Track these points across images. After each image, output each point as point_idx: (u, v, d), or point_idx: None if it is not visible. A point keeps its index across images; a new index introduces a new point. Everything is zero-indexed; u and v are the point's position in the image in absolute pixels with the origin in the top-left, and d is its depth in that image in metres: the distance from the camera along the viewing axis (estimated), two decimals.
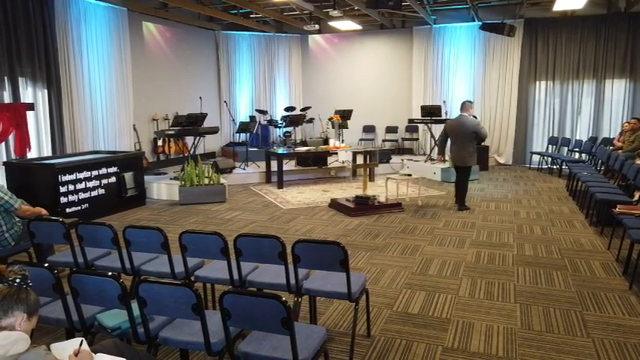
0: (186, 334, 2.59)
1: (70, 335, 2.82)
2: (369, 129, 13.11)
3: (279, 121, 11.62)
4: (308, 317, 3.60)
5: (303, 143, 10.78)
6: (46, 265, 2.78)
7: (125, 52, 9.30)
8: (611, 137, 10.18)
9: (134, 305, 2.56)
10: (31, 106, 7.18)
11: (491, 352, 3.25)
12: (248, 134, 10.74)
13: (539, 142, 11.62)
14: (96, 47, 8.66)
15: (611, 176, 7.91)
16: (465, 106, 7.29)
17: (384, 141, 12.88)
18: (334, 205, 7.55)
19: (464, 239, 5.85)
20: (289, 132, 11.79)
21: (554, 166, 10.69)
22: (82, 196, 6.80)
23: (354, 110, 11.59)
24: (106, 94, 8.94)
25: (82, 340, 1.98)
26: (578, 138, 11.02)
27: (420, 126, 12.18)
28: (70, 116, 8.19)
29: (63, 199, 6.49)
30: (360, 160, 9.40)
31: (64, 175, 6.53)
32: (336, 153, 10.17)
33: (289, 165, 10.43)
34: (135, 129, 9.78)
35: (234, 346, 2.53)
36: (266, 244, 3.21)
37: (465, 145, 7.08)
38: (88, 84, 8.53)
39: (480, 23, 10.52)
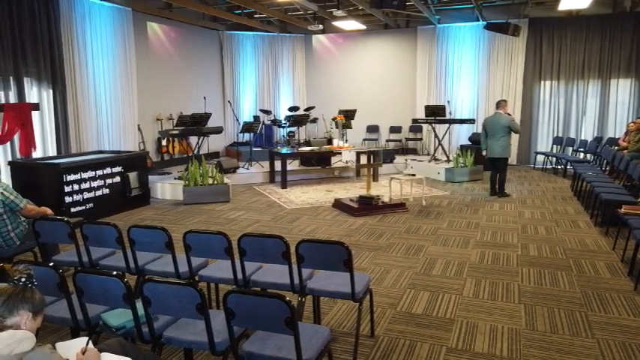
0: (191, 333, 2.59)
1: (74, 334, 2.83)
2: (372, 129, 13.11)
3: (283, 121, 11.63)
4: (312, 317, 3.60)
5: (307, 143, 10.79)
6: (51, 264, 2.79)
7: (129, 52, 9.33)
8: (617, 137, 10.14)
9: (138, 305, 2.57)
10: (36, 106, 7.22)
11: (496, 353, 3.24)
12: (252, 134, 10.75)
13: (543, 142, 11.58)
14: (100, 47, 8.69)
15: (616, 176, 7.88)
16: (500, 104, 8.16)
17: (387, 141, 12.87)
18: (338, 205, 7.55)
19: (468, 239, 5.84)
20: (293, 132, 11.79)
21: (559, 166, 10.65)
22: (86, 195, 6.82)
23: (358, 110, 11.58)
24: (110, 94, 8.98)
25: (88, 340, 1.99)
26: (583, 138, 10.97)
27: (424, 126, 12.14)
28: (75, 116, 8.22)
29: (68, 199, 6.51)
30: (363, 160, 9.40)
31: (69, 174, 6.56)
32: (340, 153, 10.17)
33: (293, 165, 10.43)
34: (139, 129, 9.81)
35: (238, 345, 2.54)
36: (270, 244, 3.22)
37: (499, 139, 7.90)
38: (92, 84, 8.56)
39: (485, 23, 10.50)
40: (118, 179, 7.37)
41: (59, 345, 2.00)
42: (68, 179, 6.53)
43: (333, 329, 3.57)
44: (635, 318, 3.72)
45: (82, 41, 8.26)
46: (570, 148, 10.84)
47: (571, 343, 3.36)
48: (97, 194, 7.00)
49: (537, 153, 11.18)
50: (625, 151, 8.58)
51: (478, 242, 5.74)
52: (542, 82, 11.37)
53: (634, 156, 7.79)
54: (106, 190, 7.17)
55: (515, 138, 11.50)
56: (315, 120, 12.52)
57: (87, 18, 8.37)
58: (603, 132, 10.90)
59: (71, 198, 6.57)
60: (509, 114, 8.42)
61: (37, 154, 7.33)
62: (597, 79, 10.89)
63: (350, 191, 8.75)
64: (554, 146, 11.12)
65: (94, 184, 6.95)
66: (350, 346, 3.30)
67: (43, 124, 7.78)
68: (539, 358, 3.17)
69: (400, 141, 12.84)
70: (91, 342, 1.99)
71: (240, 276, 3.36)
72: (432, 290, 4.31)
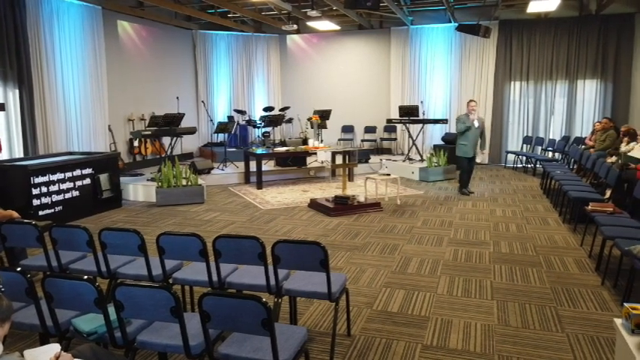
0: (165, 337, 2.55)
1: (44, 341, 2.76)
2: (347, 129, 13.16)
3: (258, 121, 11.58)
4: (288, 318, 3.59)
5: (282, 143, 10.76)
6: (18, 269, 2.71)
7: (99, 52, 9.13)
8: (584, 136, 10.45)
9: (111, 309, 2.52)
10: (1, 107, 6.99)
11: (470, 349, 3.30)
12: (226, 134, 10.66)
13: (514, 142, 11.84)
14: (69, 46, 8.48)
15: (583, 175, 8.11)
16: (467, 104, 8.38)
17: (362, 141, 12.95)
18: (314, 205, 7.55)
19: (442, 238, 5.93)
20: (268, 132, 11.75)
21: (529, 165, 10.90)
22: (55, 198, 6.64)
23: (333, 110, 11.61)
24: (80, 93, 8.77)
25: (60, 348, 1.95)
26: (551, 137, 11.27)
27: (398, 126, 12.27)
28: (43, 116, 8.00)
29: (36, 202, 6.33)
30: (339, 160, 9.42)
31: (37, 176, 6.37)
32: (315, 153, 10.18)
33: (268, 165, 10.39)
34: (110, 129, 9.61)
35: (214, 348, 2.51)
36: (246, 245, 3.19)
37: (458, 137, 8.36)
38: (61, 84, 8.35)
39: (456, 24, 10.67)
40: (88, 181, 7.20)
41: (28, 352, 1.94)
42: (36, 181, 6.35)
43: (310, 329, 3.57)
44: (603, 312, 3.84)
45: (49, 40, 8.04)
46: (539, 147, 11.12)
47: (542, 338, 3.44)
48: (66, 197, 6.82)
49: (508, 152, 11.42)
50: (592, 149, 8.84)
51: (452, 240, 5.83)
52: (512, 82, 11.62)
53: (600, 155, 8.03)
54: (76, 193, 7.00)
55: (487, 138, 11.75)
56: (290, 120, 12.50)
57: (55, 16, 8.15)
58: (571, 131, 11.21)
59: (39, 201, 6.39)
60: (480, 117, 8.59)
61: (2, 155, 7.10)
62: (565, 80, 11.20)
63: (326, 191, 8.77)
64: (524, 145, 11.39)
65: (64, 186, 6.78)
66: (327, 345, 3.30)
67: (9, 125, 7.55)
68: (512, 353, 3.24)
69: (375, 141, 12.93)
70: (61, 349, 1.95)
71: (215, 278, 3.33)
72: (408, 288, 4.36)
